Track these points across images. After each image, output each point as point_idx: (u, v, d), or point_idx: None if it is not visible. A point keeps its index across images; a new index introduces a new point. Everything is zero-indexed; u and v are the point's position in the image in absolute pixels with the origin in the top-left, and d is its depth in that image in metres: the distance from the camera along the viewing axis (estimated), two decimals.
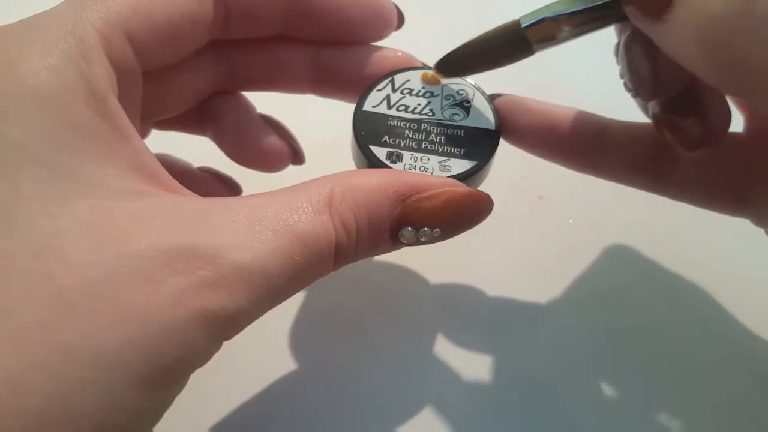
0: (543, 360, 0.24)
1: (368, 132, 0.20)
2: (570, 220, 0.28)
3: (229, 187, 0.24)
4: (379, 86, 0.21)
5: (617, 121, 0.22)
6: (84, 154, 0.15)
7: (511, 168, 0.28)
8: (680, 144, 0.19)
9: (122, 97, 0.16)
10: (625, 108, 0.22)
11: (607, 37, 0.21)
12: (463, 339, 0.25)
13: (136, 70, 0.17)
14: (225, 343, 0.15)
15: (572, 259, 0.27)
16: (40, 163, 0.14)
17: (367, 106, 0.21)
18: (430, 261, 0.26)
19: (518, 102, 0.22)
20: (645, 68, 0.18)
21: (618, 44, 0.20)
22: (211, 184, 0.24)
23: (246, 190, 0.25)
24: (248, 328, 0.15)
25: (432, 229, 0.18)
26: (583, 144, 0.22)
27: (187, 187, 0.17)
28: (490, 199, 0.19)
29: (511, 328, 0.25)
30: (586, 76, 0.31)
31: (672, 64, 0.17)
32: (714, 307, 0.26)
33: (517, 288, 0.26)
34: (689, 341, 0.25)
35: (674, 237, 0.27)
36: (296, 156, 0.24)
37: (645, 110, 0.21)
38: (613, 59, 0.21)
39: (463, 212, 0.18)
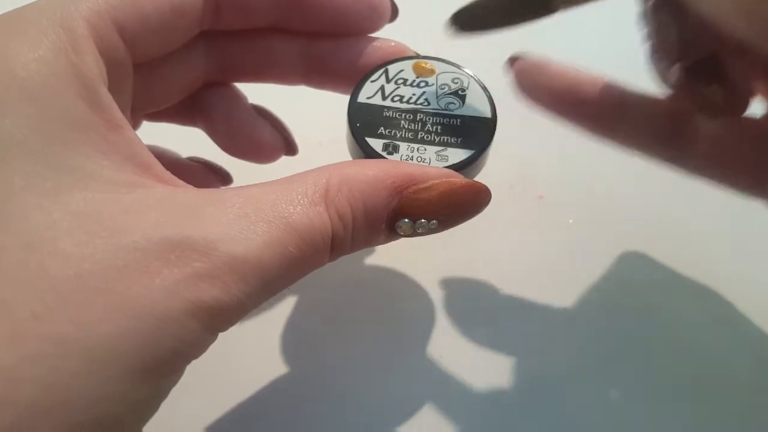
0: (542, 359, 0.25)
1: (363, 124, 0.20)
2: (570, 220, 0.29)
3: (219, 177, 0.25)
4: (373, 77, 0.21)
5: (638, 90, 0.22)
6: (76, 146, 0.15)
7: (510, 168, 0.29)
8: (702, 110, 0.19)
9: (113, 89, 0.17)
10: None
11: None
12: (462, 339, 0.25)
13: (126, 61, 0.18)
14: (219, 339, 0.15)
15: (572, 259, 0.27)
16: (31, 155, 0.14)
17: (362, 98, 0.21)
18: (430, 260, 0.27)
19: (539, 63, 0.22)
20: (672, 31, 0.19)
21: (645, 8, 0.20)
22: (201, 174, 0.24)
23: (238, 182, 0.25)
24: (243, 325, 0.16)
25: (429, 221, 0.18)
26: (602, 108, 0.22)
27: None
28: (488, 190, 0.19)
29: (510, 328, 0.25)
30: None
31: (699, 28, 0.17)
32: (714, 307, 0.26)
33: (516, 288, 0.27)
34: (690, 341, 0.25)
35: (674, 237, 0.28)
36: (289, 147, 0.24)
37: (664, 79, 0.21)
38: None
39: (460, 203, 0.19)
